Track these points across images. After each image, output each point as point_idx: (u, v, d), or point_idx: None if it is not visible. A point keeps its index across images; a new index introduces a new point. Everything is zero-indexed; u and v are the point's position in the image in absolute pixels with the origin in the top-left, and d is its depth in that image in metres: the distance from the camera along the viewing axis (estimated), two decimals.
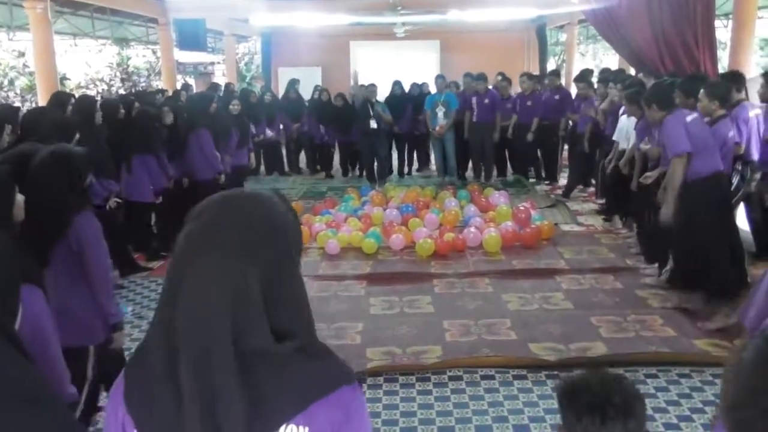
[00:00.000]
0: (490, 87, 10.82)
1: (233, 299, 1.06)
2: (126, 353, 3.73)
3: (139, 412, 1.13)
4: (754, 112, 5.86)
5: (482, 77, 10.59)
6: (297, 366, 1.09)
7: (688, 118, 4.95)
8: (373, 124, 10.46)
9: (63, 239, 2.97)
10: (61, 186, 2.97)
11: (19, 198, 2.49)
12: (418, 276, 6.34)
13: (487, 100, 10.45)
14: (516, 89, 11.26)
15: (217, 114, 7.75)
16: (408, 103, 11.33)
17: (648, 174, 5.75)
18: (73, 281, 3.04)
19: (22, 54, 18.02)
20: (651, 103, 5.19)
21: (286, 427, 1.08)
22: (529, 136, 10.43)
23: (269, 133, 11.47)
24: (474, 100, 10.49)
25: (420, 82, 11.77)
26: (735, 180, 5.64)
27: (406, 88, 11.59)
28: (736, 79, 6.13)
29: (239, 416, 1.04)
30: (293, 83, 12.15)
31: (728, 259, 5.04)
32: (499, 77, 11.13)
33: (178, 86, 12.63)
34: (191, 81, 18.74)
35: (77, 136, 4.70)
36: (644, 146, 5.97)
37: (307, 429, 1.08)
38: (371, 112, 10.44)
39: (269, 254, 1.12)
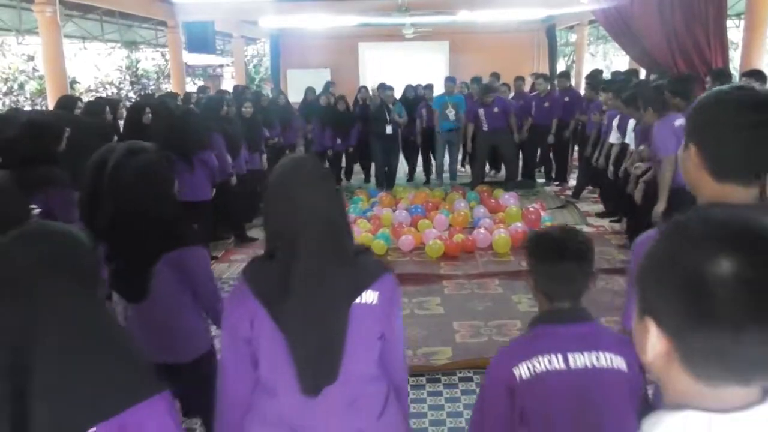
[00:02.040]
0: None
1: (328, 219, 1.72)
2: None
3: (268, 296, 1.69)
4: None
5: (489, 90, 10.20)
6: (367, 257, 1.81)
7: (677, 123, 5.01)
8: (389, 130, 10.33)
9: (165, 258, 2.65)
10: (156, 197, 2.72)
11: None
12: (427, 277, 6.32)
13: (496, 109, 10.10)
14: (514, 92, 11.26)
15: (229, 117, 7.72)
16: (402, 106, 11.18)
17: (638, 164, 5.81)
18: (177, 296, 2.72)
19: (31, 58, 18.10)
20: (647, 106, 5.24)
21: (366, 291, 1.74)
22: (550, 138, 10.34)
23: (300, 144, 11.48)
24: (482, 111, 10.12)
25: (414, 84, 11.62)
26: None
27: (402, 90, 11.47)
28: (758, 76, 6.15)
29: (345, 284, 1.72)
30: (312, 90, 11.99)
31: None
32: (497, 82, 11.05)
33: (187, 89, 12.66)
34: (200, 83, 18.79)
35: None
36: (644, 148, 6.01)
37: (377, 293, 1.76)
38: (388, 117, 10.33)
39: (334, 189, 1.82)
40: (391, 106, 10.41)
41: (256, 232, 7.83)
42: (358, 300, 1.72)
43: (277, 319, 1.67)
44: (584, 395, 1.81)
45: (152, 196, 2.63)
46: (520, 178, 11.00)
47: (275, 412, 1.77)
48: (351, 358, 1.71)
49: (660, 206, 4.98)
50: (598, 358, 1.82)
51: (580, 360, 1.82)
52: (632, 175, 6.28)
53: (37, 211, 2.80)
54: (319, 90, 12.06)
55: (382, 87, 10.58)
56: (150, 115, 7.04)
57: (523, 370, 1.81)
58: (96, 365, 1.37)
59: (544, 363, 1.81)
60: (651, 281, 0.92)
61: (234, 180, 7.35)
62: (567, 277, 1.88)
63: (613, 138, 7.50)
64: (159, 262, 2.55)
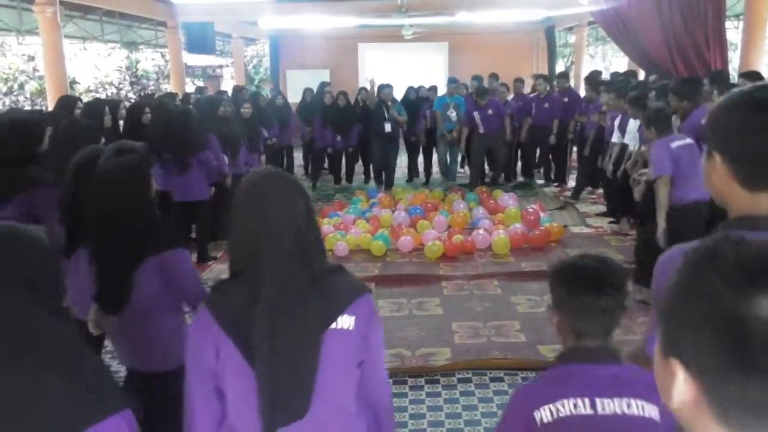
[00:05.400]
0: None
1: (297, 235, 1.61)
2: None
3: (233, 325, 1.57)
4: None
5: (483, 92, 10.26)
6: (341, 276, 1.71)
7: (674, 144, 4.91)
8: (388, 128, 10.26)
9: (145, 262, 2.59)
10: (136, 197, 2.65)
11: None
12: (426, 278, 6.32)
13: (490, 111, 10.19)
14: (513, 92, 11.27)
15: (225, 118, 7.74)
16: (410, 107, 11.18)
17: (643, 170, 5.76)
18: (157, 302, 2.63)
19: (31, 58, 18.09)
20: (650, 125, 5.17)
21: (341, 316, 1.62)
22: (552, 139, 10.34)
23: (294, 140, 11.48)
24: (477, 115, 10.20)
25: (417, 86, 11.59)
26: None
27: (403, 91, 11.46)
28: (756, 77, 6.08)
29: (316, 309, 1.59)
30: (310, 91, 12.04)
31: None
32: (496, 83, 11.06)
33: (187, 89, 12.67)
34: (200, 84, 18.78)
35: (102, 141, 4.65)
36: (646, 149, 5.98)
37: (353, 318, 1.64)
38: (386, 114, 10.29)
39: (303, 203, 1.67)
40: (389, 103, 10.39)
41: None
42: (333, 325, 1.60)
43: (244, 351, 1.55)
44: None
45: (128, 197, 2.52)
46: (520, 179, 11.06)
47: None
48: (324, 393, 1.58)
49: (660, 227, 4.91)
50: (629, 405, 1.65)
51: (609, 406, 1.64)
52: (632, 178, 6.25)
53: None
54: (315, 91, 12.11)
55: (381, 86, 10.54)
56: (149, 115, 7.04)
57: (545, 414, 1.63)
58: (31, 385, 1.19)
59: (569, 407, 1.64)
60: (677, 318, 0.80)
61: (229, 181, 7.30)
62: (604, 313, 1.70)
63: (615, 138, 7.51)
64: (142, 265, 2.45)
